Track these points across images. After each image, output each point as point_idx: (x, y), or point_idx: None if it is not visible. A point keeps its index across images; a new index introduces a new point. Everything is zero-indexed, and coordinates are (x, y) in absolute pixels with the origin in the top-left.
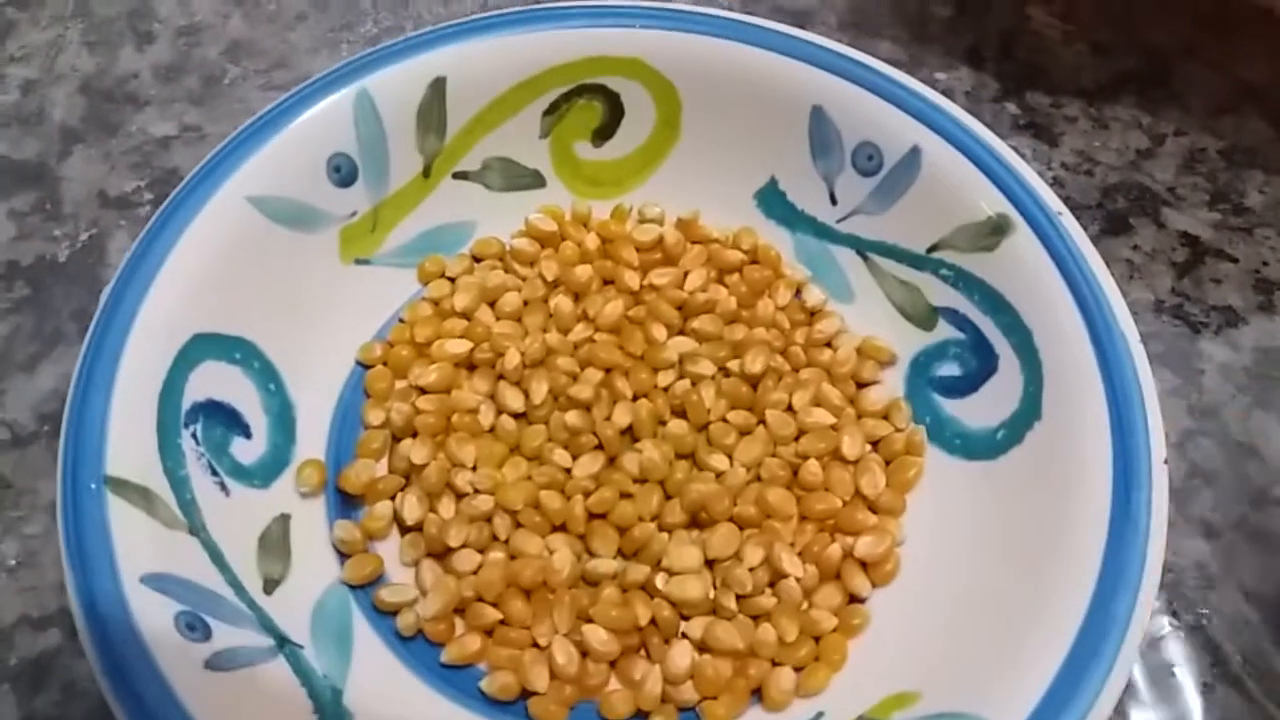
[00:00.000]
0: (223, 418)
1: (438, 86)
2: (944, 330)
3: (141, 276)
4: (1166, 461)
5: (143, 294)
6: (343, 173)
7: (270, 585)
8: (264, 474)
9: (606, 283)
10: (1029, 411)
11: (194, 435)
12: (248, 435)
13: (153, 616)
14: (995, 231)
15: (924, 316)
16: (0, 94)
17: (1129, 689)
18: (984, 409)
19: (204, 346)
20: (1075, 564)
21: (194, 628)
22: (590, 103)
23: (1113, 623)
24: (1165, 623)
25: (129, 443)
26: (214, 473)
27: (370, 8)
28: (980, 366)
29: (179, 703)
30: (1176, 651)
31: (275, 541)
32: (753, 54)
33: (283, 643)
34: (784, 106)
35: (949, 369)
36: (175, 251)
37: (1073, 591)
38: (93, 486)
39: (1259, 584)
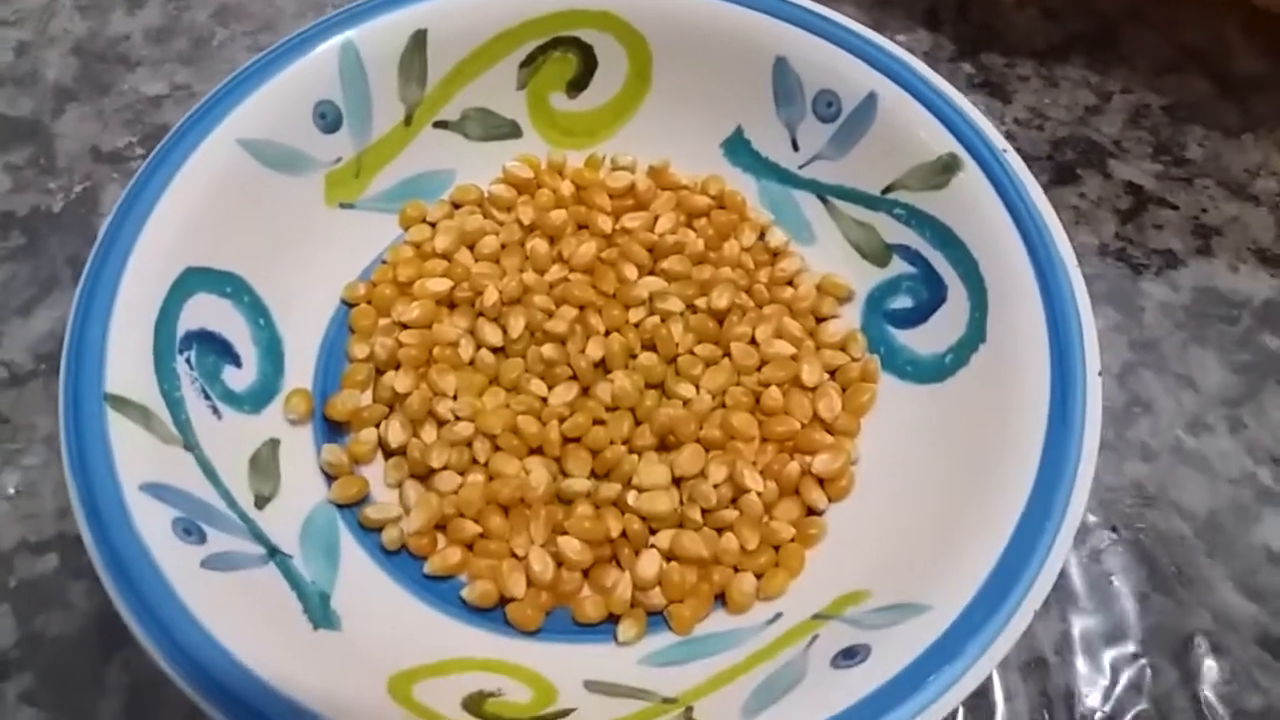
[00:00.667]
0: (215, 346)
1: (419, 38)
2: (897, 266)
3: (138, 212)
4: (1101, 374)
5: (139, 228)
6: (328, 120)
7: (261, 501)
8: (254, 401)
9: (581, 227)
10: (974, 336)
11: (188, 361)
12: (238, 364)
13: (151, 520)
14: (945, 170)
15: (879, 254)
16: None
17: (1070, 597)
18: (933, 337)
19: (197, 279)
20: (1015, 465)
21: (190, 532)
22: (565, 55)
23: (1048, 517)
24: (1105, 536)
25: (127, 364)
26: (207, 397)
27: None
28: (930, 298)
29: (176, 596)
30: (1115, 563)
31: (265, 462)
32: (719, 7)
33: (273, 552)
34: (749, 58)
35: (902, 302)
36: (170, 189)
37: (1013, 489)
38: (93, 402)
39: (1191, 502)
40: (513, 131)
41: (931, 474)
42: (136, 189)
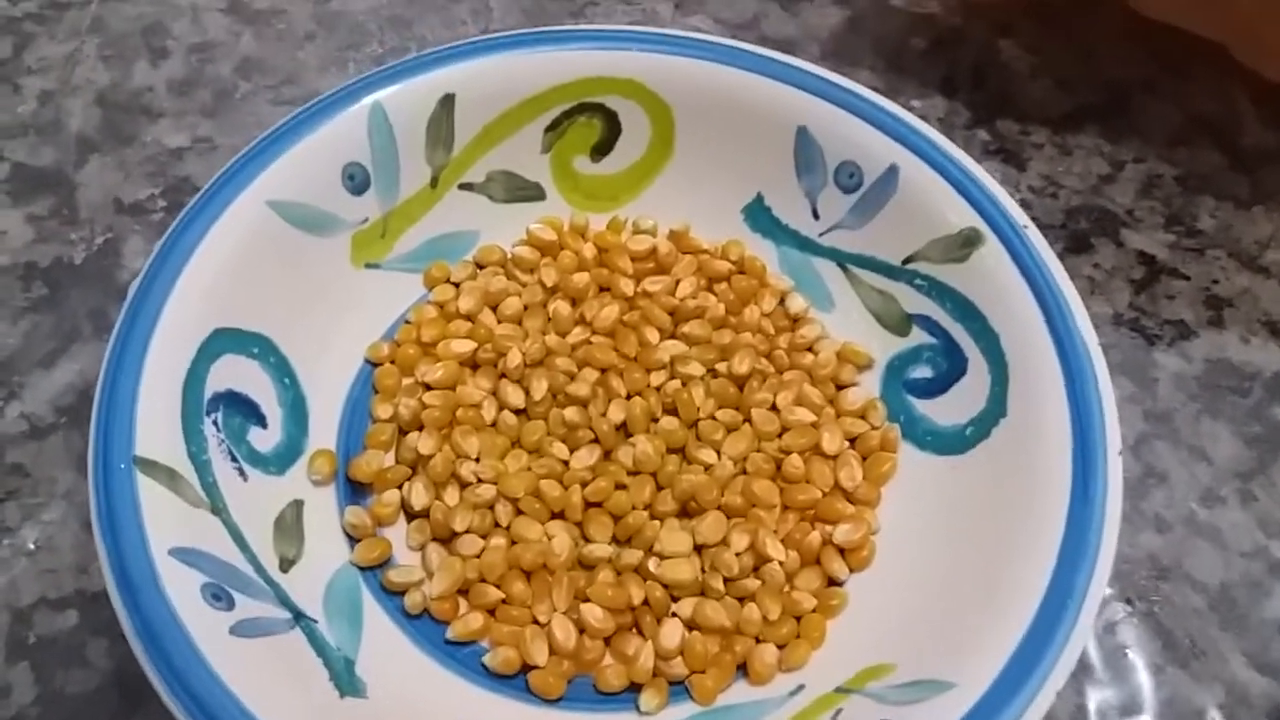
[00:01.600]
0: (241, 408)
1: (447, 102)
2: (917, 336)
3: (168, 271)
4: (1121, 452)
5: (168, 289)
6: (356, 181)
7: (286, 564)
8: (279, 462)
9: (603, 289)
10: (995, 410)
11: (215, 422)
12: (264, 425)
13: (181, 586)
14: (966, 244)
15: (899, 323)
16: (19, 104)
17: (1086, 669)
18: (954, 408)
19: (224, 340)
20: (1037, 545)
21: (219, 598)
22: (590, 120)
23: (1070, 596)
24: (1120, 609)
25: (156, 426)
26: (233, 459)
27: (375, 29)
28: (951, 369)
29: (207, 665)
30: (1129, 635)
31: (290, 525)
32: (742, 77)
33: (299, 616)
34: (771, 127)
35: (922, 371)
36: (200, 249)
37: (1035, 569)
38: (122, 466)
39: (1205, 575)
40: (537, 194)
41: (952, 547)
42: (166, 249)
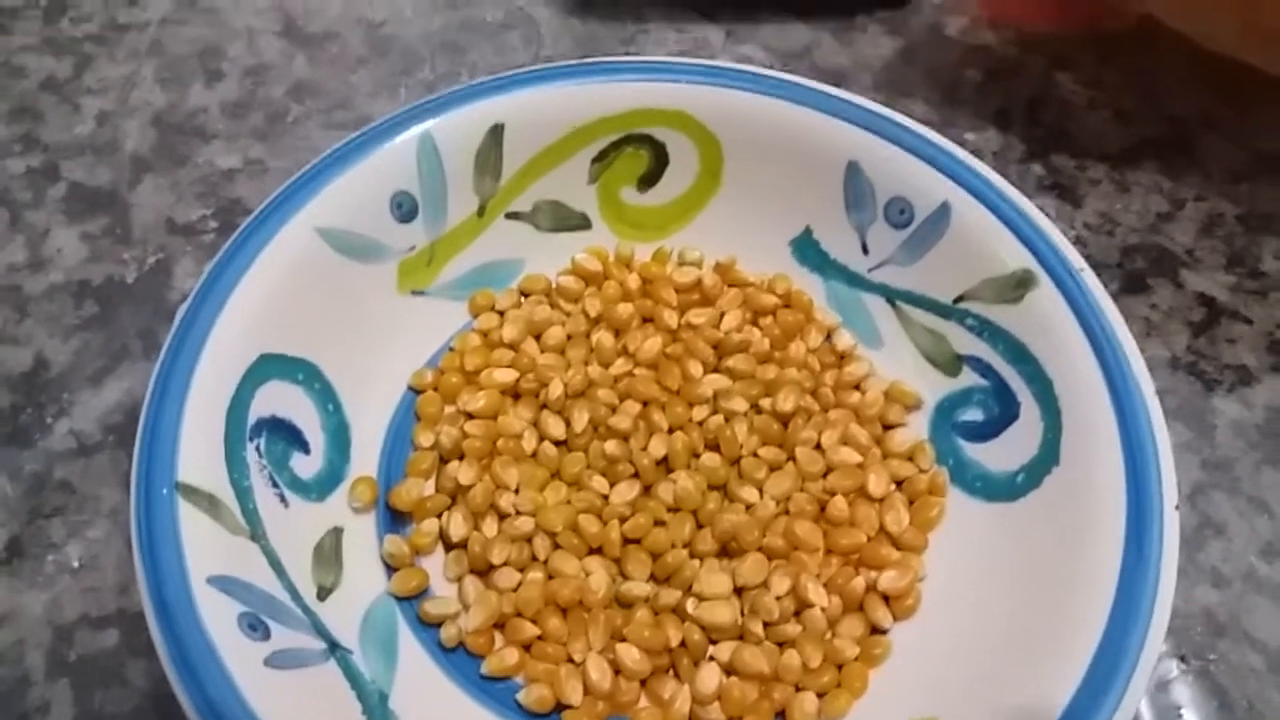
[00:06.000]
0: (284, 433)
1: (496, 132)
2: (968, 377)
3: (215, 296)
4: (1178, 507)
5: (216, 313)
6: (404, 209)
7: (323, 593)
8: (320, 489)
9: (646, 320)
10: (1048, 457)
11: (258, 448)
12: (306, 451)
13: (218, 615)
14: (1020, 285)
15: (949, 363)
16: (77, 124)
17: None
18: (1004, 453)
19: (270, 366)
20: (1089, 600)
21: (255, 628)
22: (637, 151)
23: (1124, 656)
24: (1174, 666)
25: (199, 452)
26: (274, 485)
27: (427, 54)
28: (1002, 413)
29: (241, 696)
30: (1184, 694)
31: (328, 553)
32: (793, 110)
33: (334, 647)
34: (821, 161)
35: (972, 414)
36: (248, 275)
37: (1086, 626)
38: (164, 491)
39: (1264, 633)
40: (582, 223)
41: (1000, 599)
42: (215, 273)
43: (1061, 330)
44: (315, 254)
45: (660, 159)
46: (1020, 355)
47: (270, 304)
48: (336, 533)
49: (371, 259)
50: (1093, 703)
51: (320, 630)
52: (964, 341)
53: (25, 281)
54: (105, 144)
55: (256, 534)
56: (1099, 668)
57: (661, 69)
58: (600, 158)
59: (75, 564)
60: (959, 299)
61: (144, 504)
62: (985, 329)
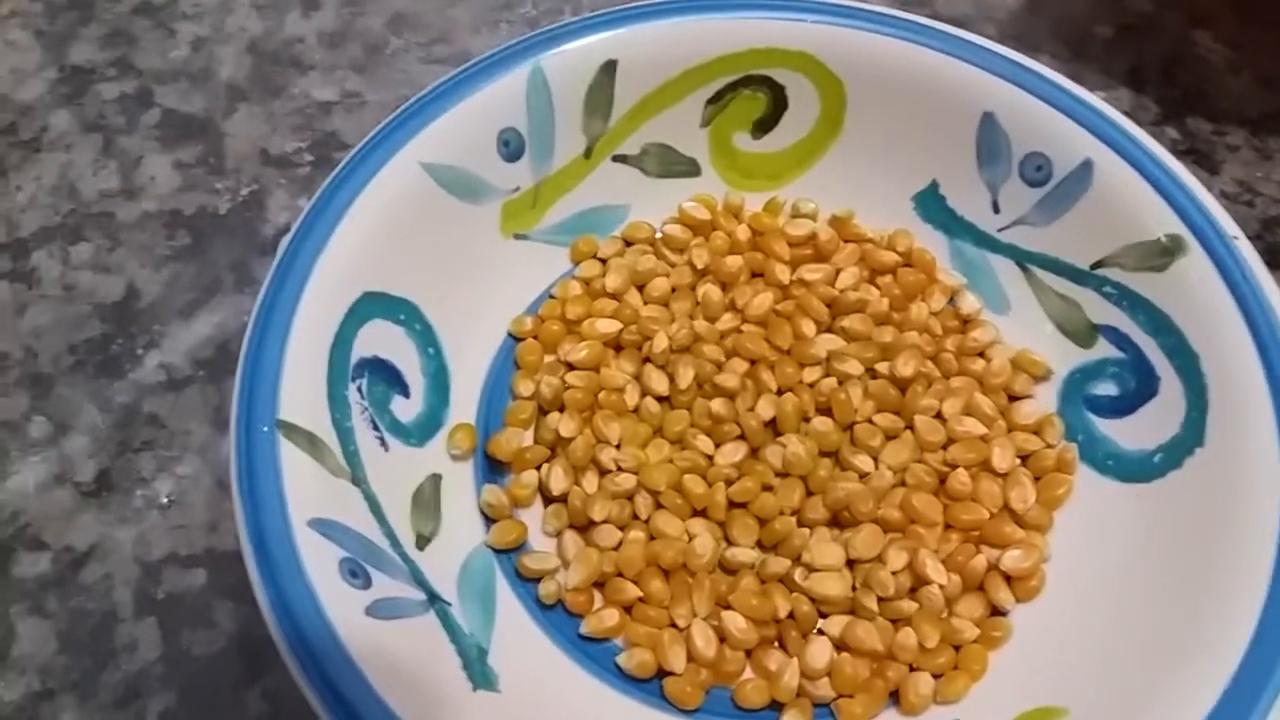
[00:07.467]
0: (385, 375)
1: (609, 69)
2: (1103, 348)
3: (319, 231)
4: None
5: (320, 248)
6: (511, 147)
7: (422, 541)
8: (420, 433)
9: (755, 275)
10: (1190, 437)
11: (359, 389)
12: (406, 394)
13: (319, 561)
14: (1166, 252)
15: (1083, 333)
16: (172, 49)
17: None
18: (1141, 431)
19: (373, 305)
20: (1237, 596)
21: (356, 575)
22: (755, 94)
23: (1274, 665)
24: None
25: (301, 390)
26: (375, 427)
27: None
28: (1139, 388)
29: (343, 647)
30: None
31: (428, 499)
32: (925, 55)
33: (433, 599)
34: (953, 110)
35: (1106, 388)
36: (352, 209)
37: (1234, 624)
38: (265, 429)
39: None
40: (691, 170)
41: (1134, 585)
42: (319, 207)
43: (1212, 302)
44: (420, 190)
45: (778, 103)
46: (1163, 327)
47: (374, 240)
48: (435, 479)
49: (476, 198)
50: (1242, 705)
51: (420, 580)
52: (1100, 310)
53: (118, 209)
54: (199, 71)
55: (358, 477)
56: (1250, 669)
57: (787, 6)
58: (715, 99)
59: (164, 500)
60: (1097, 264)
61: (244, 441)
62: (1124, 297)
